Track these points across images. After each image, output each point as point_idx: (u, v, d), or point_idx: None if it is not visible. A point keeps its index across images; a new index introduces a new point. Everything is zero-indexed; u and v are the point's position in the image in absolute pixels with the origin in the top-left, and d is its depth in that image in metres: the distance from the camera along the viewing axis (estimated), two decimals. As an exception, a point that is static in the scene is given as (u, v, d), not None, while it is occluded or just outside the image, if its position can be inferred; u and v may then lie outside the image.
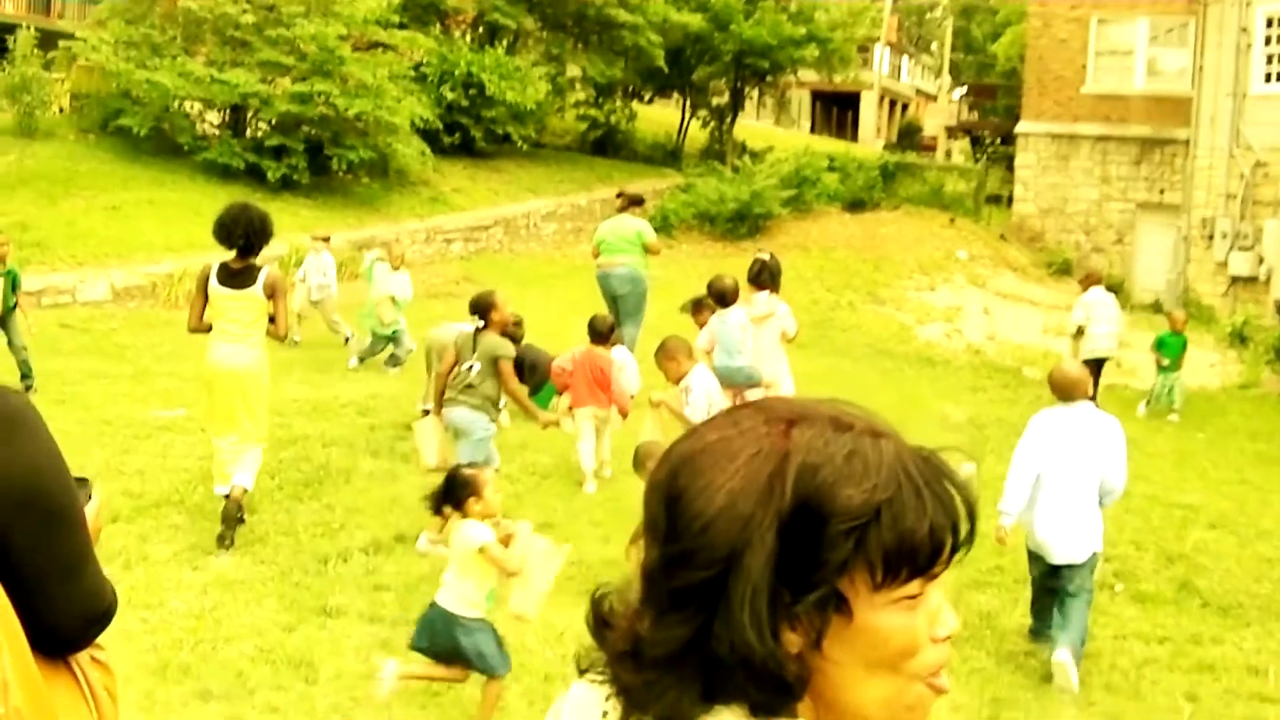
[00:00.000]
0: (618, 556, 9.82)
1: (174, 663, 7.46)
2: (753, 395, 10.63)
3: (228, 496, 9.66)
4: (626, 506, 9.87)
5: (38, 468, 2.26)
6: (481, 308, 10.33)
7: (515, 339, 11.94)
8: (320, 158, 25.62)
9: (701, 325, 11.86)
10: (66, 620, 2.32)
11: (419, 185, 27.67)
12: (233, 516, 9.64)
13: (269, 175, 24.77)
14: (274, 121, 25.57)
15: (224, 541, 9.48)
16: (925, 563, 1.41)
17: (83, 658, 2.40)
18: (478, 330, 10.30)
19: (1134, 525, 11.74)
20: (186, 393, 14.06)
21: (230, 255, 9.66)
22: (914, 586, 1.42)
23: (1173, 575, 10.55)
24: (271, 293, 9.58)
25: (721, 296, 11.10)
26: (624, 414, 12.04)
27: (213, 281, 9.76)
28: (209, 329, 9.76)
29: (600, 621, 1.58)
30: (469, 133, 30.12)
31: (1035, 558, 8.81)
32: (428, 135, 27.21)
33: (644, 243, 15.46)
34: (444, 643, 6.73)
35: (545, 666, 7.82)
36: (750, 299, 11.27)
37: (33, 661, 2.14)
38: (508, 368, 10.19)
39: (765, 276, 11.41)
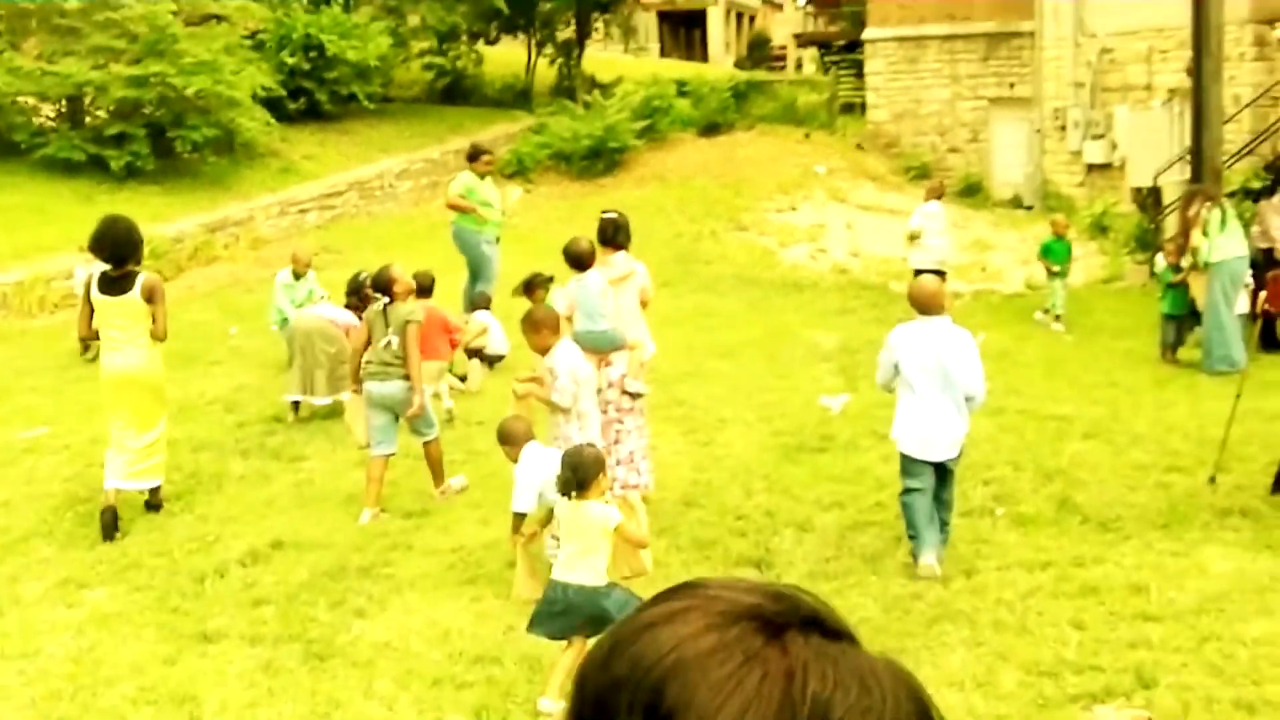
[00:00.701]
0: (499, 539, 9.75)
1: (54, 717, 7.29)
2: (617, 359, 10.56)
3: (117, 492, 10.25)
4: (502, 484, 9.76)
5: None
6: (383, 284, 10.90)
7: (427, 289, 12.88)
8: (163, 141, 24.87)
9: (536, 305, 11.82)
10: None
11: (268, 157, 27.15)
12: (110, 526, 10.13)
13: (112, 165, 24.04)
14: (112, 109, 24.79)
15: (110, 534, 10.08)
16: None
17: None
18: (386, 306, 10.76)
19: (1010, 444, 11.80)
20: (48, 409, 13.77)
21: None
22: None
23: (1051, 493, 10.61)
24: (150, 297, 10.19)
25: (578, 260, 10.94)
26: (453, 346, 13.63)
27: (94, 290, 10.50)
28: (97, 335, 10.49)
29: None
30: (314, 97, 29.55)
31: (913, 470, 9.31)
32: (271, 104, 26.67)
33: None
34: (584, 615, 7.20)
35: (434, 670, 7.73)
36: (607, 260, 11.13)
37: None
38: (414, 331, 10.60)
39: (621, 236, 11.28)
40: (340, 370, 12.71)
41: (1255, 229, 17.21)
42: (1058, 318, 18.58)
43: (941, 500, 9.49)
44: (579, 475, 7.34)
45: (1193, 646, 7.78)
